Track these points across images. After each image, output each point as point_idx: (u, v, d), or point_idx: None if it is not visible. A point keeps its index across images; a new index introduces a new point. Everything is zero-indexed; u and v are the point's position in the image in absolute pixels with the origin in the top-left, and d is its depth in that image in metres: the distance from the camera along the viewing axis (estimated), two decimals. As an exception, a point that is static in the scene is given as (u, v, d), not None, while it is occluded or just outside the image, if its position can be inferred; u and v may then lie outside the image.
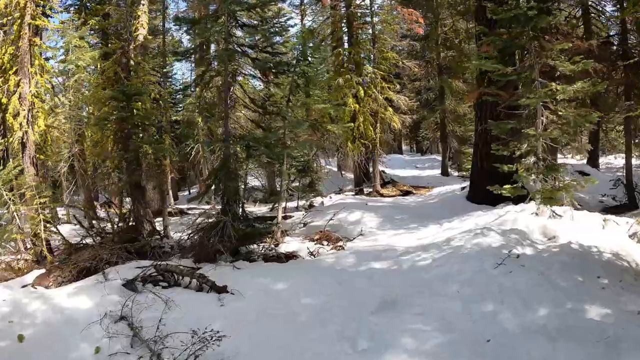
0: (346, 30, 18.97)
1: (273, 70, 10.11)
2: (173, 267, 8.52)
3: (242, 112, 11.34)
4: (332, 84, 18.33)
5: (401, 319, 5.90)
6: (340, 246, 10.31)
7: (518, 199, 11.27)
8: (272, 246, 11.19)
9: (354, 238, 11.28)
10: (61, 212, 16.99)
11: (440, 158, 27.50)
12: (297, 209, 15.51)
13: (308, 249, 10.14)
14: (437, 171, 24.25)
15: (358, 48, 18.39)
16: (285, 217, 14.56)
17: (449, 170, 23.44)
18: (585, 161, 18.81)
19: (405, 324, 5.75)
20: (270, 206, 15.96)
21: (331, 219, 12.17)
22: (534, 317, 5.50)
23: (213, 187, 10.04)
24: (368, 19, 19.09)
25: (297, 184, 15.73)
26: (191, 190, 24.93)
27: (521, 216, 9.82)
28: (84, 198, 17.77)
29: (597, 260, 7.54)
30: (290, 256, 10.42)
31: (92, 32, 16.46)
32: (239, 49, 10.08)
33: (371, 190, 18.71)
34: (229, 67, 10.04)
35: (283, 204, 16.38)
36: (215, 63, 11.06)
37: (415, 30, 19.66)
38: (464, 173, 22.07)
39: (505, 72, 9.49)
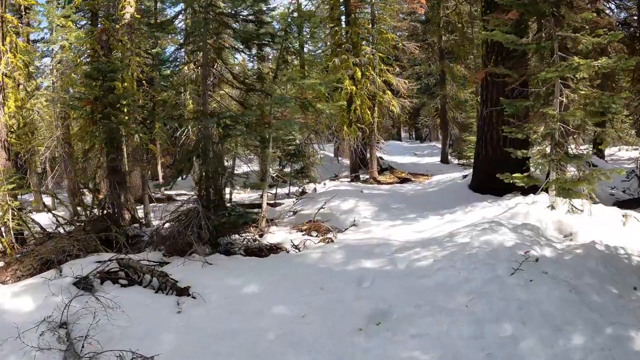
0: (344, 9, 17.38)
1: (256, 42, 8.61)
2: (134, 262, 7.15)
3: (226, 90, 9.89)
4: (328, 64, 16.86)
5: (393, 342, 4.45)
6: (329, 238, 8.90)
7: (527, 190, 9.85)
8: (257, 237, 9.89)
9: (345, 229, 9.87)
10: (47, 200, 15.67)
11: (440, 145, 26.01)
12: (288, 195, 14.09)
13: (292, 241, 8.75)
14: (437, 159, 22.78)
15: (356, 27, 16.84)
16: (274, 205, 13.17)
17: (449, 157, 21.97)
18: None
19: (398, 351, 4.32)
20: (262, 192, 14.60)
21: (322, 207, 10.75)
22: (566, 347, 4.04)
23: (184, 172, 8.55)
24: (367, -4, 17.54)
25: (289, 169, 14.29)
26: (184, 176, 23.46)
27: (533, 209, 8.40)
28: (67, 184, 16.40)
29: (628, 265, 6.13)
30: (273, 249, 9.09)
31: (81, 12, 15.02)
32: (218, 18, 8.60)
33: (368, 177, 17.28)
34: (209, 40, 8.58)
35: (273, 190, 15.03)
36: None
37: (417, 10, 18.11)
38: (465, 161, 20.63)
39: (520, 42, 7.95)
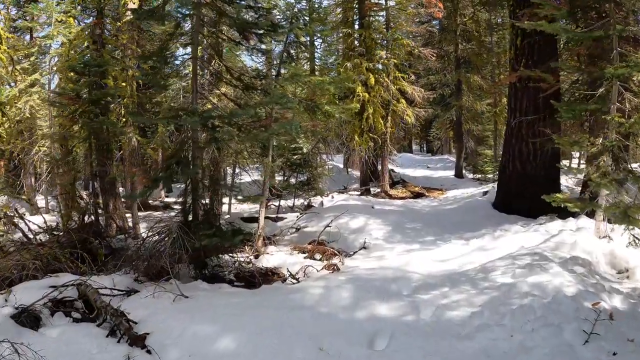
0: (357, 11, 15.76)
1: (254, 31, 6.99)
2: (91, 291, 5.53)
3: (224, 89, 8.28)
4: (340, 70, 15.24)
5: None
6: (334, 266, 7.21)
7: (564, 213, 8.14)
8: (252, 257, 8.30)
9: (354, 252, 8.21)
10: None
11: (453, 158, 24.22)
12: (292, 209, 12.43)
13: (289, 270, 7.08)
14: (450, 172, 20.99)
15: (370, 31, 15.20)
16: (276, 219, 11.51)
17: (464, 171, 20.14)
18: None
19: None
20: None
21: (328, 225, 9.07)
22: None
23: (163, 181, 6.90)
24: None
25: (293, 180, 12.62)
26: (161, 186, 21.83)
27: (581, 239, 6.66)
28: (59, 188, 14.87)
29: None
30: (268, 275, 7.50)
31: (86, 10, 13.61)
32: (211, 3, 7.01)
33: (379, 190, 15.57)
34: (201, 30, 7.00)
35: (278, 202, 13.39)
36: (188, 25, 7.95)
37: (435, 14, 16.46)
38: (480, 176, 18.83)
39: (575, 32, 6.25)
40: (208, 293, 6.01)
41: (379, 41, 15.82)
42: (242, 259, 8.06)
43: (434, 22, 22.22)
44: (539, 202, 9.61)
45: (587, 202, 6.74)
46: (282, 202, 13.23)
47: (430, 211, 11.58)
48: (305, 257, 8.18)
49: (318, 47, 19.68)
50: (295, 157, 12.42)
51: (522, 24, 7.28)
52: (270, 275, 7.55)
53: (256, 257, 8.38)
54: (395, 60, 15.67)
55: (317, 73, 17.84)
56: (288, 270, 7.02)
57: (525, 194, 9.81)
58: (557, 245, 6.49)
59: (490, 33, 19.61)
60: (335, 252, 8.30)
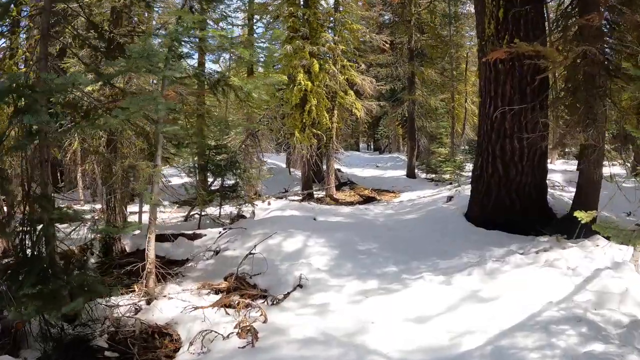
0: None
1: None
2: None
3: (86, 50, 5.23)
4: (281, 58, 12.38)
5: None
6: (250, 329, 4.34)
7: (573, 230, 5.70)
8: (143, 301, 5.42)
9: (284, 296, 5.33)
10: None
11: (404, 157, 21.83)
12: (215, 221, 9.41)
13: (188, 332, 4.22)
14: (402, 172, 18.49)
15: (315, 10, 12.37)
16: (193, 236, 8.42)
17: (416, 171, 17.68)
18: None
19: None
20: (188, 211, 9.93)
21: (251, 254, 6.20)
22: None
23: None
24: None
25: (218, 184, 9.61)
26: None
27: (628, 282, 4.09)
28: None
29: None
30: (154, 338, 4.67)
31: None
32: None
33: (324, 194, 12.83)
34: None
35: (210, 211, 10.37)
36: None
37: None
38: (434, 176, 16.42)
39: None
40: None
41: (326, 23, 13.05)
42: (124, 307, 5.14)
43: (385, 16, 19.75)
44: (528, 215, 7.21)
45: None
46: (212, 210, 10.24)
47: (387, 223, 8.88)
48: (213, 308, 5.26)
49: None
50: (219, 157, 9.44)
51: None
52: (156, 340, 4.65)
53: (148, 302, 5.45)
54: (343, 47, 12.96)
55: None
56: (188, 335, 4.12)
57: (510, 204, 7.31)
58: (599, 297, 3.89)
59: (449, 22, 17.24)
60: (259, 293, 5.50)
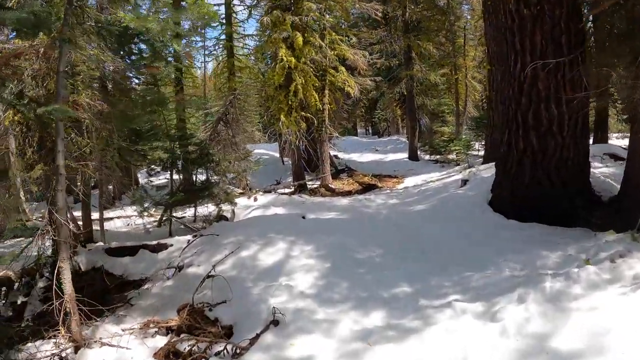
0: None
1: None
2: None
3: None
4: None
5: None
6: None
7: (627, 217, 3.96)
8: (68, 353, 3.74)
9: (249, 343, 3.60)
10: None
11: (404, 139, 19.98)
12: (187, 227, 7.67)
13: None
14: (403, 154, 16.66)
15: (296, -25, 10.53)
16: (156, 247, 6.66)
17: (419, 153, 15.84)
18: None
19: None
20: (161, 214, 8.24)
21: (209, 275, 4.52)
22: None
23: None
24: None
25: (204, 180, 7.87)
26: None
27: None
28: None
29: None
30: None
31: None
32: None
33: (318, 184, 11.08)
34: None
35: (184, 212, 8.66)
36: None
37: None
38: (439, 157, 14.62)
39: None
40: None
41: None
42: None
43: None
44: (573, 200, 5.44)
45: None
46: (189, 212, 8.53)
47: (391, 216, 7.11)
48: (155, 357, 3.57)
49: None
50: (191, 148, 7.68)
51: None
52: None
53: (75, 350, 3.82)
54: (331, 20, 11.12)
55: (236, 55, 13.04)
56: None
57: (550, 186, 5.53)
58: None
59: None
60: (220, 332, 3.85)
